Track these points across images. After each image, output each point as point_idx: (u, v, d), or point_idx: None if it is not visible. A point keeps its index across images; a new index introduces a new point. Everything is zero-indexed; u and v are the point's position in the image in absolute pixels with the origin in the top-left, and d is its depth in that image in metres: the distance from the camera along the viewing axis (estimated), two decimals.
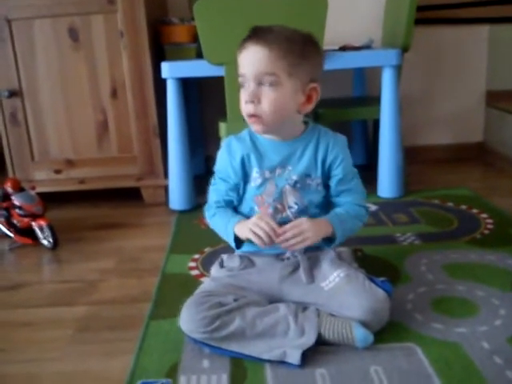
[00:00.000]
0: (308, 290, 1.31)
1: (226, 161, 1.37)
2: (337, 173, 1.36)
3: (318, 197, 1.37)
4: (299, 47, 1.25)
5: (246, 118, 1.29)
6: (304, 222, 1.28)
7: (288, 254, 1.36)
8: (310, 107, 1.31)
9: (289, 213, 1.35)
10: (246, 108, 1.27)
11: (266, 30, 1.25)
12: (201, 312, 1.19)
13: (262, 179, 1.34)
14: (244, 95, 1.26)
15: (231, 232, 1.34)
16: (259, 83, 1.24)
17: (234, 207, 1.42)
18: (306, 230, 1.27)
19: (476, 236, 1.82)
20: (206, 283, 1.36)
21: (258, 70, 1.23)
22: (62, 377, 1.20)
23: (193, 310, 1.21)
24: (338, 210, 1.37)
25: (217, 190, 1.41)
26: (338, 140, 1.37)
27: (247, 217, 1.36)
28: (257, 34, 1.25)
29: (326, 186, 1.38)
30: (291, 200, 1.34)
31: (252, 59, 1.24)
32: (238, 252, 1.41)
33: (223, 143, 1.40)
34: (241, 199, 1.40)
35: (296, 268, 1.35)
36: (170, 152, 2.22)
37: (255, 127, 1.30)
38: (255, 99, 1.24)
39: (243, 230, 1.31)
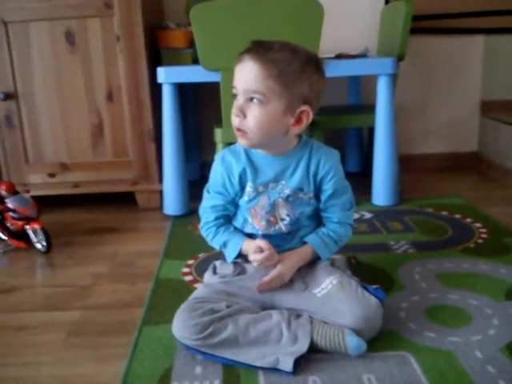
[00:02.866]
0: (300, 296, 1.31)
1: (222, 175, 1.35)
2: (327, 188, 1.35)
3: (310, 209, 1.37)
4: (297, 68, 1.21)
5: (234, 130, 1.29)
6: (283, 273, 1.32)
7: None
8: (299, 129, 1.28)
9: (281, 225, 1.36)
10: (233, 121, 1.27)
11: (265, 47, 1.22)
12: (193, 318, 1.19)
13: (255, 193, 1.34)
14: (233, 107, 1.26)
15: (234, 251, 1.37)
16: (248, 98, 1.23)
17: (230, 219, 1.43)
18: (284, 275, 1.32)
19: (470, 245, 1.82)
20: (199, 289, 1.36)
21: (247, 86, 1.22)
22: (55, 381, 1.19)
23: (185, 317, 1.21)
24: (323, 231, 1.39)
25: (214, 207, 1.39)
26: (329, 155, 1.35)
27: (240, 228, 1.40)
28: (255, 49, 1.22)
29: (319, 198, 1.38)
30: (283, 212, 1.34)
31: (244, 74, 1.22)
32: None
33: (217, 157, 1.39)
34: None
35: None
36: (165, 157, 2.22)
37: (240, 141, 1.29)
38: (241, 114, 1.23)
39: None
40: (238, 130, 1.26)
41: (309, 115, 1.27)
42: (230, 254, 1.39)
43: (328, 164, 1.33)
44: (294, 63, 1.21)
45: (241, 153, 1.35)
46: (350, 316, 1.21)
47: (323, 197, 1.36)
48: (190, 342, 1.19)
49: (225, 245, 1.40)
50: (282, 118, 1.24)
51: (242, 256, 1.38)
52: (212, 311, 1.21)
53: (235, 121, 1.26)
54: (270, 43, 1.23)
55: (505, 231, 1.94)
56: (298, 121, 1.27)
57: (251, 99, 1.22)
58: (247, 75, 1.22)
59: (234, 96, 1.26)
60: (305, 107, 1.25)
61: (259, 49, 1.22)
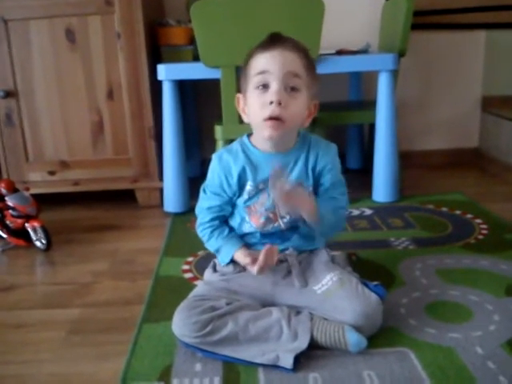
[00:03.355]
0: (301, 293, 1.31)
1: (220, 175, 1.35)
2: (324, 181, 1.35)
3: None
4: (313, 64, 1.29)
5: (260, 122, 1.24)
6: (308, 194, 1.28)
7: (281, 257, 1.35)
8: (308, 122, 1.33)
9: (281, 222, 1.35)
10: (268, 110, 1.22)
11: (290, 39, 1.26)
12: (193, 316, 1.19)
13: (255, 191, 1.33)
14: (268, 96, 1.22)
15: (226, 259, 1.37)
16: (286, 85, 1.22)
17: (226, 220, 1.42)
18: (308, 200, 1.25)
19: (470, 241, 1.82)
20: (199, 287, 1.36)
21: (288, 69, 1.21)
22: (55, 378, 1.19)
23: (185, 315, 1.20)
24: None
25: (210, 208, 1.38)
26: (328, 149, 1.36)
27: (238, 227, 1.39)
28: (284, 40, 1.25)
29: (316, 192, 1.37)
30: (283, 209, 1.34)
31: (282, 60, 1.22)
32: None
33: (214, 157, 1.37)
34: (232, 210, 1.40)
35: (289, 272, 1.34)
36: (165, 154, 2.22)
37: (272, 132, 1.24)
38: (283, 102, 1.21)
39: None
40: (275, 119, 1.22)
41: (316, 109, 1.33)
42: (222, 260, 1.39)
43: (326, 158, 1.34)
44: (311, 60, 1.29)
45: (238, 152, 1.35)
46: (350, 313, 1.21)
47: (320, 191, 1.36)
48: (189, 340, 1.19)
49: (217, 251, 1.40)
50: (304, 109, 1.29)
51: None
52: (212, 309, 1.21)
53: (276, 109, 1.21)
54: (290, 38, 1.27)
55: (505, 227, 1.94)
56: (309, 115, 1.32)
57: (287, 86, 1.22)
58: (287, 60, 1.23)
59: (261, 86, 1.23)
60: (316, 101, 1.32)
61: (287, 39, 1.26)
